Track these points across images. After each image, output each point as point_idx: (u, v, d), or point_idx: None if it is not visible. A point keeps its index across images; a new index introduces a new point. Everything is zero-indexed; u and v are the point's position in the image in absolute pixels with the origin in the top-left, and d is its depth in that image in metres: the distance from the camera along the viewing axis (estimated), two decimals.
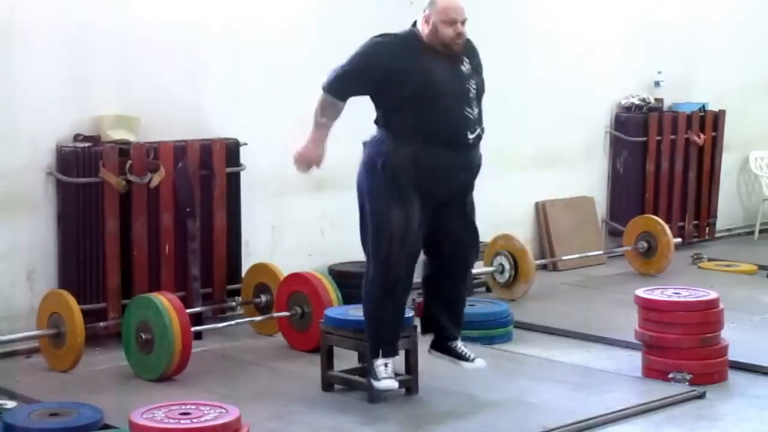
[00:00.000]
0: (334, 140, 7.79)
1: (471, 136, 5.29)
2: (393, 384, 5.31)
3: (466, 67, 5.36)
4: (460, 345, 5.60)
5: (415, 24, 5.39)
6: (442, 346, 5.62)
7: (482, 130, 5.38)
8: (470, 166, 5.40)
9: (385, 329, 5.37)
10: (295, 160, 5.48)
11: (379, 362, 5.33)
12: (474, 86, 5.34)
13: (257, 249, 7.40)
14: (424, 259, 5.57)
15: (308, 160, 5.46)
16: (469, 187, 5.51)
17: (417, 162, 5.22)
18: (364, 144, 5.45)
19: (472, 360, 5.56)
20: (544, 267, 8.82)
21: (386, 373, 5.31)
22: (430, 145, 5.22)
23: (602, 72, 9.64)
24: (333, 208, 7.70)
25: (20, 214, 6.46)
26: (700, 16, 10.41)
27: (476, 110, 5.33)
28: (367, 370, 5.47)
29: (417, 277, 5.58)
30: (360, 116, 8.15)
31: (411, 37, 5.34)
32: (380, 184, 5.28)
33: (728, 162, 10.56)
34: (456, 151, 5.28)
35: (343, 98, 5.36)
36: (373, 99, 5.39)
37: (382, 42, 5.32)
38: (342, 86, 5.33)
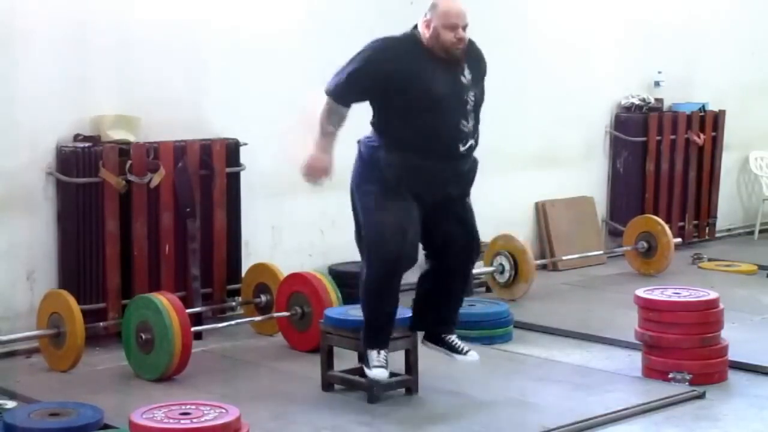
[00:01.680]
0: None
1: (462, 149, 5.27)
2: (383, 373, 5.29)
3: (466, 77, 5.30)
4: (454, 338, 5.58)
5: (416, 27, 5.34)
6: (436, 338, 5.60)
7: (476, 141, 5.35)
8: (461, 175, 5.38)
9: (379, 322, 5.38)
10: (304, 172, 5.39)
11: (372, 351, 5.35)
12: (472, 98, 5.30)
13: (257, 249, 7.40)
14: (423, 256, 5.56)
15: (318, 170, 5.35)
16: (464, 194, 5.49)
17: (408, 168, 5.21)
18: (359, 142, 5.44)
19: (465, 353, 5.53)
20: (544, 267, 8.82)
21: (378, 361, 5.31)
22: (421, 154, 5.20)
23: (602, 72, 9.64)
24: (333, 208, 7.70)
25: (20, 214, 6.46)
26: (700, 16, 10.42)
27: (471, 123, 5.30)
28: (361, 357, 5.48)
29: (414, 278, 5.60)
30: (360, 116, 8.16)
31: (412, 41, 5.29)
32: (372, 184, 5.28)
33: (728, 162, 10.57)
34: (446, 161, 5.27)
35: (348, 104, 5.31)
36: (370, 102, 5.36)
37: (385, 46, 5.27)
38: (346, 92, 5.26)
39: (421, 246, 5.47)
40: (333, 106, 5.28)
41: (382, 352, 5.35)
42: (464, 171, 5.38)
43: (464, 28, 5.26)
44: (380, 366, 5.31)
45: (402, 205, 5.24)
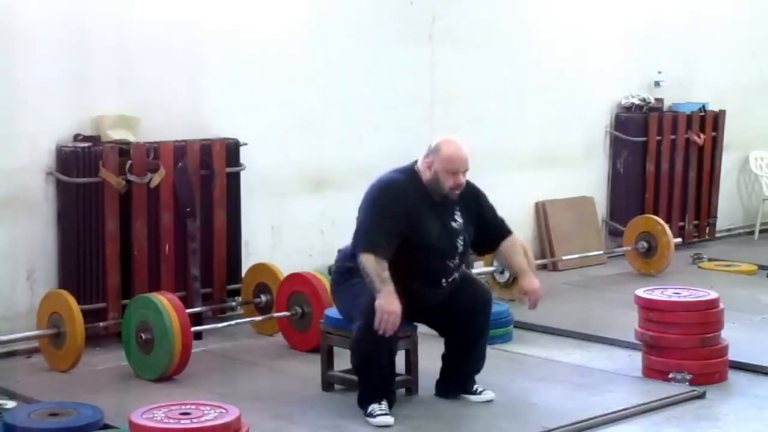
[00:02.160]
0: (334, 140, 7.83)
1: (445, 283, 5.35)
2: (389, 420, 5.19)
3: (457, 221, 5.36)
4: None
5: (416, 162, 5.35)
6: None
7: (460, 272, 5.40)
8: (447, 292, 5.40)
9: (378, 378, 5.28)
10: (378, 321, 5.08)
11: (372, 404, 5.24)
12: (461, 243, 5.36)
13: (257, 249, 7.40)
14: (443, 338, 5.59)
15: (392, 314, 5.07)
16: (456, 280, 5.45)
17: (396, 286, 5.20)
18: (339, 251, 5.50)
19: (480, 393, 5.54)
20: (544, 267, 8.82)
21: (381, 410, 5.22)
22: (406, 281, 5.20)
23: (602, 72, 9.64)
24: (333, 208, 7.70)
25: (20, 214, 6.46)
26: (700, 16, 10.41)
27: (457, 260, 5.36)
28: (359, 404, 5.34)
29: None
30: (360, 115, 8.17)
31: (412, 180, 5.29)
32: (349, 286, 5.33)
33: (728, 162, 10.57)
34: (429, 288, 5.34)
35: (387, 249, 5.13)
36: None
37: (391, 187, 5.25)
38: (380, 238, 5.14)
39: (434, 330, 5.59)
40: (374, 260, 5.11)
41: (384, 401, 5.26)
42: (449, 290, 5.41)
43: (464, 173, 5.30)
44: (384, 414, 5.21)
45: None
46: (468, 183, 5.42)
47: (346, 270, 5.37)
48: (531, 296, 5.51)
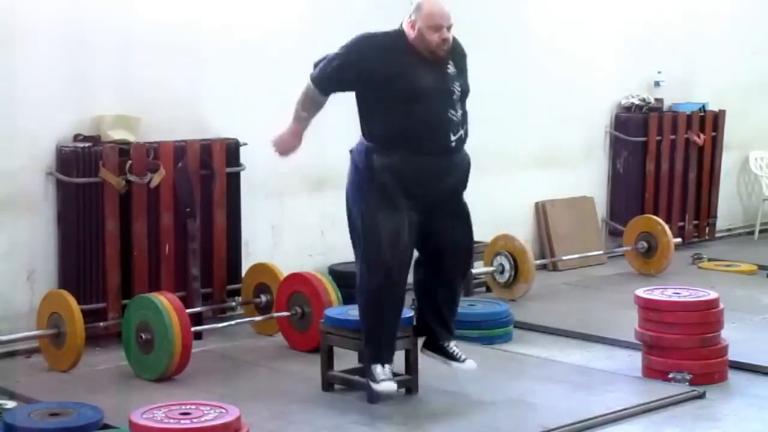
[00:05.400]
0: (334, 140, 7.83)
1: (453, 138, 5.28)
2: (392, 386, 5.28)
3: (450, 69, 5.36)
4: (452, 345, 5.60)
5: (402, 25, 5.38)
6: (434, 346, 5.62)
7: (465, 132, 5.37)
8: (456, 169, 5.38)
9: (382, 334, 5.34)
10: (273, 146, 5.54)
11: (376, 366, 5.32)
12: (458, 88, 5.34)
13: (257, 249, 7.40)
14: (416, 261, 5.55)
15: (286, 150, 5.54)
16: (459, 190, 5.48)
17: (402, 170, 5.22)
18: (351, 152, 5.47)
19: (463, 360, 5.56)
20: (544, 267, 8.82)
21: (384, 374, 5.29)
22: (413, 152, 5.22)
23: (602, 72, 9.64)
24: (333, 208, 7.67)
25: (20, 214, 6.46)
26: (700, 16, 10.42)
27: (460, 112, 5.33)
28: (364, 373, 5.45)
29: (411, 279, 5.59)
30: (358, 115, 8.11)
31: (398, 37, 5.34)
32: (367, 192, 5.28)
33: (728, 162, 10.57)
34: (439, 156, 5.28)
35: (327, 93, 5.40)
36: (357, 102, 5.39)
37: (370, 39, 5.35)
38: (327, 80, 5.35)
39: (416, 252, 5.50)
40: (312, 93, 5.39)
41: (387, 365, 5.32)
42: (457, 164, 5.38)
43: (449, 28, 5.29)
44: (387, 379, 5.28)
45: (397, 215, 5.23)
46: (458, 42, 5.46)
47: (365, 167, 5.31)
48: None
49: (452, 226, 5.45)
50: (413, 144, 5.22)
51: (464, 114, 5.37)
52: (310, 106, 5.42)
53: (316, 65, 5.42)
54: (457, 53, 5.43)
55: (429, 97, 5.23)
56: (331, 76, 5.33)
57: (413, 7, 5.31)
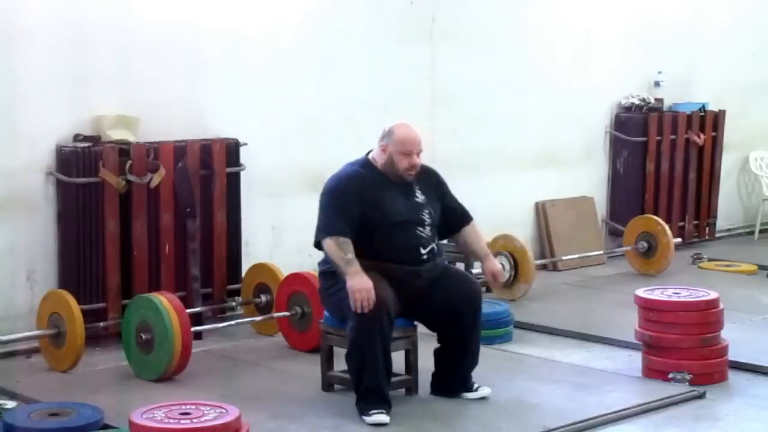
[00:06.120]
0: (334, 140, 7.82)
1: (424, 252, 5.42)
2: (384, 418, 5.18)
3: (419, 197, 5.50)
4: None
5: (369, 153, 5.52)
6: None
7: (436, 248, 5.49)
8: (430, 272, 5.45)
9: (375, 379, 5.26)
10: (355, 300, 5.16)
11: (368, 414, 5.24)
12: (428, 215, 5.49)
13: (257, 249, 7.40)
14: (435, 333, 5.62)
15: (365, 286, 5.17)
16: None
17: (381, 272, 5.29)
18: (318, 264, 5.58)
19: (476, 389, 5.57)
20: (544, 267, 8.82)
21: (376, 409, 5.20)
22: (390, 263, 5.34)
23: (602, 72, 9.64)
24: None
25: (20, 214, 6.46)
26: (700, 16, 10.42)
27: (429, 231, 5.46)
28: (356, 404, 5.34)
29: None
30: (359, 115, 8.16)
31: (368, 169, 5.47)
32: (341, 288, 5.30)
33: (728, 162, 10.57)
34: (411, 266, 5.39)
35: (347, 233, 5.30)
36: None
37: (348, 179, 5.43)
38: (339, 223, 5.32)
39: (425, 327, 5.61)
40: (335, 242, 5.29)
41: (381, 406, 5.25)
42: (432, 269, 5.46)
43: (418, 154, 5.45)
44: (379, 412, 5.20)
45: (375, 278, 5.24)
46: (427, 167, 5.60)
47: (331, 272, 5.41)
48: (498, 277, 5.74)
49: (442, 289, 5.47)
50: (388, 257, 5.36)
51: (434, 235, 5.51)
52: (346, 248, 5.27)
53: (318, 231, 5.39)
54: (425, 179, 5.57)
55: (401, 225, 5.38)
56: (339, 218, 5.32)
57: (385, 131, 5.46)
